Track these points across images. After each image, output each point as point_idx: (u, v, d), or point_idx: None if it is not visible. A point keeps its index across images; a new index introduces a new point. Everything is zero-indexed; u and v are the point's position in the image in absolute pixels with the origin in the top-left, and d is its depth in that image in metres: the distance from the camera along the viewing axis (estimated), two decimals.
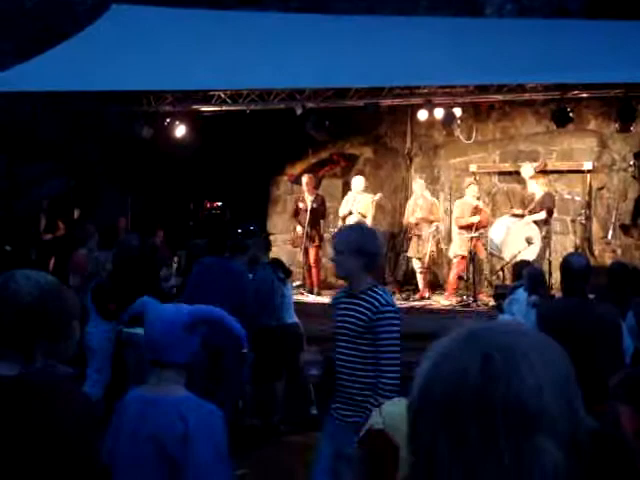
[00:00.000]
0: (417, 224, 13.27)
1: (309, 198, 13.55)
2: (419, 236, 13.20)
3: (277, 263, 9.13)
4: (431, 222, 13.28)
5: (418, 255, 13.30)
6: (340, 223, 13.41)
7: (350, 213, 13.28)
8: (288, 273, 9.27)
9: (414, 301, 13.16)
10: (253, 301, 8.10)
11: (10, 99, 12.89)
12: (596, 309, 5.53)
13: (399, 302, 13.03)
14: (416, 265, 13.52)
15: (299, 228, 13.59)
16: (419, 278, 13.54)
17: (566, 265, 5.56)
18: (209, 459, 2.98)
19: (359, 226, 5.31)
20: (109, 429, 3.16)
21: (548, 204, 12.52)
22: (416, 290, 13.64)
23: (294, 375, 8.71)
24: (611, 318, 5.45)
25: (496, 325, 1.27)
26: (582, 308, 5.39)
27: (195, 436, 2.96)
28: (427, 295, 13.31)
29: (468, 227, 12.85)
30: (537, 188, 12.75)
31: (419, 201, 13.37)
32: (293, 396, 8.85)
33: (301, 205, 13.68)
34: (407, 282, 14.07)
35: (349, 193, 13.66)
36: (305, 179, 13.84)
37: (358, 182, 13.52)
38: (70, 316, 2.71)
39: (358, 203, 13.25)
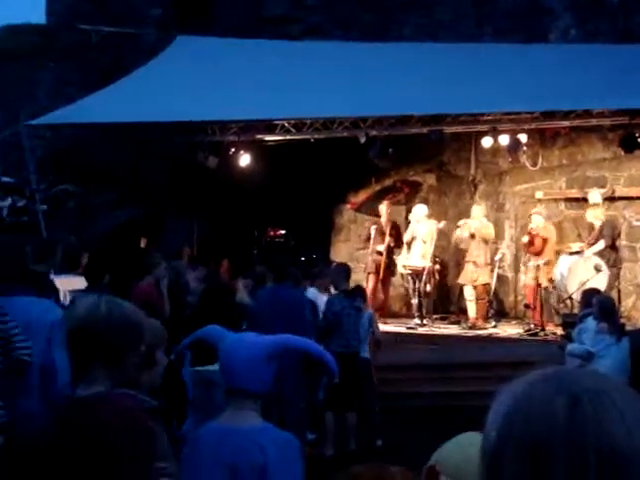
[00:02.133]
0: (461, 242, 13.08)
1: (387, 225, 13.49)
2: (475, 262, 13.00)
3: (352, 292, 9.10)
4: (485, 241, 13.02)
5: (472, 283, 13.08)
6: (405, 250, 13.37)
7: (413, 239, 13.23)
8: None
9: (466, 329, 12.98)
10: (314, 328, 8.10)
11: (78, 130, 13.15)
12: None
13: (463, 331, 12.89)
14: (468, 293, 13.30)
15: (374, 255, 13.52)
16: (470, 306, 13.29)
17: None
18: None
19: None
20: (183, 460, 3.16)
21: (607, 233, 12.27)
22: (466, 318, 13.43)
23: (364, 406, 8.70)
24: None
25: (579, 369, 1.25)
26: None
27: (274, 467, 2.95)
28: (480, 324, 13.01)
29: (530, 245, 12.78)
30: (595, 217, 12.52)
31: (473, 222, 13.14)
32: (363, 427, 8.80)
33: (373, 232, 13.58)
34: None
35: (411, 221, 13.59)
36: (384, 207, 13.76)
37: (419, 210, 13.45)
38: (150, 344, 2.78)
39: (421, 229, 13.18)
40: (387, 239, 13.33)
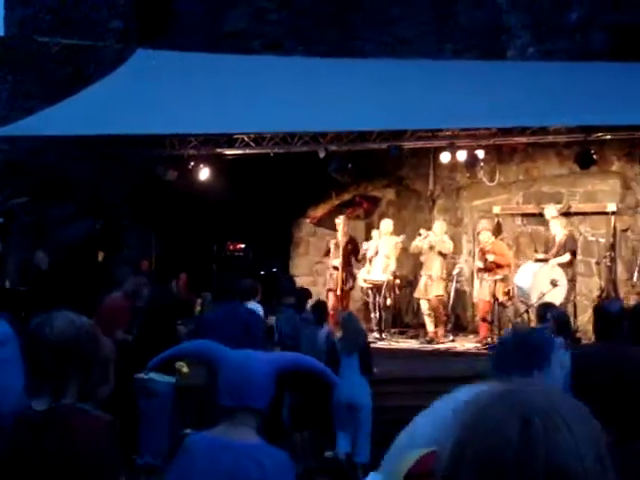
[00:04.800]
0: (421, 254, 13.16)
1: (343, 240, 13.51)
2: (430, 276, 13.03)
3: (301, 305, 9.11)
4: (442, 255, 13.05)
5: (426, 296, 13.11)
6: (368, 265, 13.40)
7: (376, 254, 13.27)
8: (322, 318, 9.25)
9: (424, 343, 13.01)
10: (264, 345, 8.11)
11: (37, 143, 13.05)
12: (632, 353, 5.55)
13: (421, 345, 12.93)
14: (424, 307, 13.32)
15: (333, 271, 13.53)
16: (427, 320, 13.30)
17: (602, 310, 5.62)
18: None
19: None
20: (172, 470, 3.13)
21: (571, 246, 12.44)
22: (424, 332, 13.48)
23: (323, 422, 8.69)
24: None
25: (531, 386, 1.26)
26: (618, 352, 5.40)
27: None
28: (438, 338, 13.03)
29: (487, 270, 12.83)
30: (559, 230, 12.67)
31: (432, 237, 13.18)
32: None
33: (332, 247, 13.62)
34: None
35: (373, 234, 13.63)
36: (340, 221, 13.77)
37: (385, 226, 13.51)
38: (106, 359, 2.83)
39: (384, 244, 13.23)
40: (341, 254, 13.37)
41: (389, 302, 13.32)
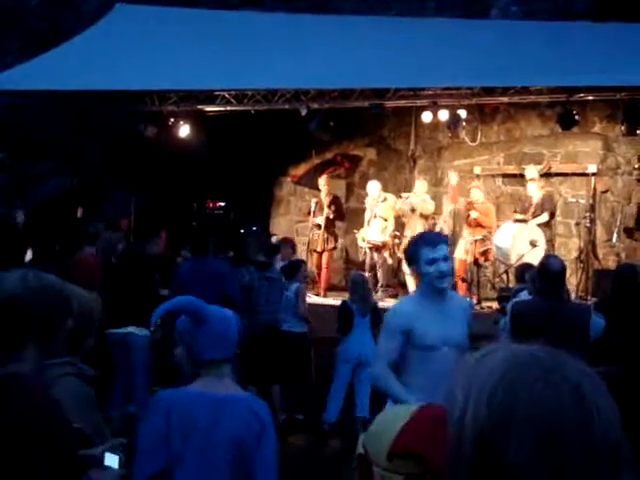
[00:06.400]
0: (403, 215, 13.21)
1: (326, 199, 13.49)
2: None
3: (265, 263, 9.10)
4: (424, 216, 13.10)
5: None
6: (366, 226, 13.38)
7: (375, 217, 13.29)
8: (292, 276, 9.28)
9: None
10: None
11: (14, 97, 12.88)
12: (566, 310, 5.68)
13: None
14: (406, 266, 13.34)
15: (316, 230, 13.53)
16: (409, 279, 13.37)
17: (544, 267, 5.74)
18: (274, 456, 3.11)
19: None
20: (154, 427, 3.09)
21: (548, 206, 12.48)
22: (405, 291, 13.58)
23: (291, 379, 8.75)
24: (580, 320, 5.58)
25: (551, 350, 1.22)
26: (554, 310, 5.53)
27: (267, 434, 3.08)
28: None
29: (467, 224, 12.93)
30: (535, 191, 12.70)
31: (414, 197, 13.22)
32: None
33: (314, 206, 13.59)
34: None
35: (367, 199, 13.61)
36: (323, 180, 13.74)
37: (372, 188, 13.47)
38: (86, 313, 2.74)
39: (379, 207, 13.24)
40: (325, 211, 13.35)
41: (390, 262, 13.43)
